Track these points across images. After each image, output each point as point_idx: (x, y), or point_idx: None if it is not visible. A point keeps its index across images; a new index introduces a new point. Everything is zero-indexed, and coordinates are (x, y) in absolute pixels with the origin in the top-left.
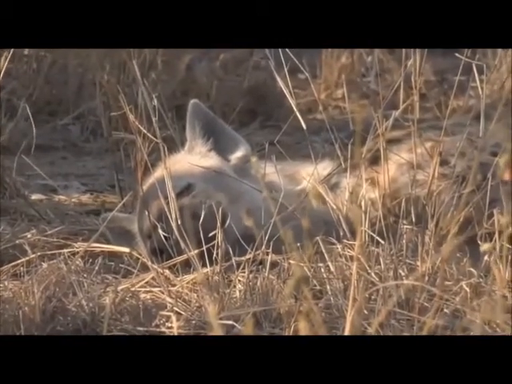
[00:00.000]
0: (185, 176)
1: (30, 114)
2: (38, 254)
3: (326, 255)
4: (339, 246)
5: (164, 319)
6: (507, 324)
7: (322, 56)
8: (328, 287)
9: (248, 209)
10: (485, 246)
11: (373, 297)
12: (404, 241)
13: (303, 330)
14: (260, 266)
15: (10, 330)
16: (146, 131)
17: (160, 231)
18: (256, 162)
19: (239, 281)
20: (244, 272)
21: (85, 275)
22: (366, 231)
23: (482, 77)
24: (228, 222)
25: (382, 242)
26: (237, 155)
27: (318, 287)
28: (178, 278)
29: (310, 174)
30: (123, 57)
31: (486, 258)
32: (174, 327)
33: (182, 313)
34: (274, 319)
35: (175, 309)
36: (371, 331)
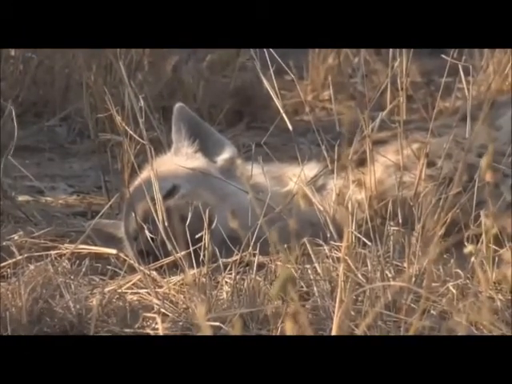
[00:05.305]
0: (170, 177)
1: (14, 115)
2: (25, 255)
3: (312, 257)
4: (326, 248)
5: (151, 321)
6: (493, 325)
7: (308, 57)
8: (315, 289)
9: (233, 210)
10: (468, 248)
11: (360, 298)
12: (391, 242)
13: (290, 331)
14: (247, 268)
15: None
16: (132, 132)
17: (146, 233)
18: (242, 163)
19: (226, 282)
20: (231, 273)
21: (72, 277)
22: (352, 233)
23: (468, 78)
24: (215, 223)
25: (369, 243)
26: (223, 157)
27: (304, 288)
28: (165, 280)
29: (297, 175)
30: (109, 57)
31: (472, 259)
32: (160, 329)
33: (169, 314)
34: (261, 320)
35: (162, 310)
36: (358, 332)
